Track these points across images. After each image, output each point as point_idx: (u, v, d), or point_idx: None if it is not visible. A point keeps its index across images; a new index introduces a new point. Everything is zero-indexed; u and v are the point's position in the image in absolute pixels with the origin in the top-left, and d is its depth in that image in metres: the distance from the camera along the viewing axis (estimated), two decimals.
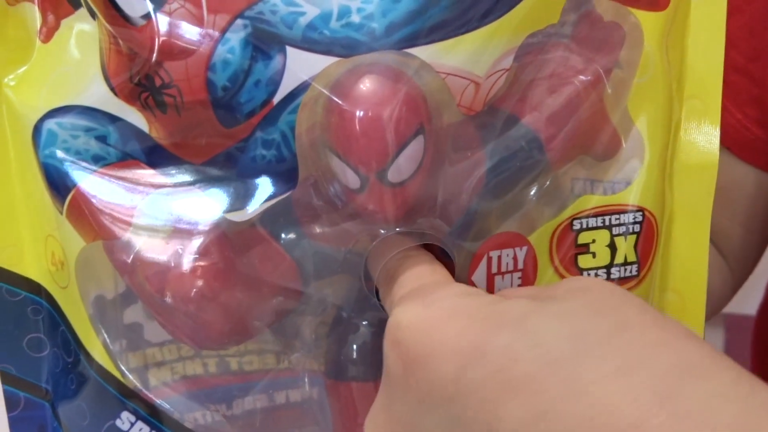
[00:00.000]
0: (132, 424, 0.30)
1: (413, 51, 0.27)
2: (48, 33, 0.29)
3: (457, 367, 0.21)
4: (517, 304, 0.22)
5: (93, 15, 0.28)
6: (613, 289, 0.23)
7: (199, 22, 0.26)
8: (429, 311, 0.23)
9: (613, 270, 0.32)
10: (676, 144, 0.32)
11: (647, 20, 0.31)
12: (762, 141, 0.55)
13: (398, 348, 0.23)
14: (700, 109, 0.32)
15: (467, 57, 0.28)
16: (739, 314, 0.79)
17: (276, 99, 0.27)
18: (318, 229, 0.30)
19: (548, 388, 0.19)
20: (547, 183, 0.32)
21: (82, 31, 0.28)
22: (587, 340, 0.20)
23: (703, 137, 0.32)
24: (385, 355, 0.24)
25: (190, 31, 0.26)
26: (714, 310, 0.61)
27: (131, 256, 0.29)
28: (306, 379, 0.33)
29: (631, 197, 0.32)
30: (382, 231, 0.29)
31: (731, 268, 0.59)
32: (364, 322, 0.32)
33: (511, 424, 0.20)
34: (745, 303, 0.77)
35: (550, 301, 0.22)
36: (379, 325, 0.31)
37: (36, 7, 0.29)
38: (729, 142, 0.56)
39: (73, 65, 0.28)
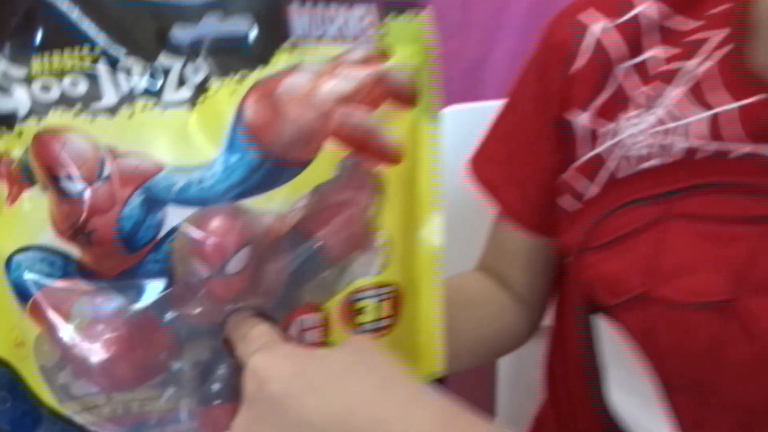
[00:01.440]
0: None
1: (244, 201, 0.46)
2: (12, 200, 0.45)
3: (280, 386, 0.42)
4: (307, 355, 0.43)
5: (44, 189, 0.45)
6: (363, 342, 0.44)
7: (113, 193, 0.44)
8: (270, 356, 0.43)
9: (377, 323, 0.52)
10: (413, 242, 0.53)
11: (392, 169, 0.51)
12: (531, 225, 0.71)
13: (255, 377, 0.43)
14: (424, 221, 0.53)
15: (277, 202, 0.47)
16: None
17: (160, 234, 0.45)
18: (187, 310, 0.48)
19: (294, 392, 0.41)
20: (329, 270, 0.51)
21: (36, 199, 0.45)
22: (332, 369, 0.41)
23: (426, 238, 0.53)
24: (246, 381, 0.43)
25: (107, 199, 0.44)
26: (517, 343, 0.76)
27: (68, 337, 0.45)
28: (185, 412, 0.50)
29: (387, 277, 0.51)
30: (228, 307, 0.47)
31: (528, 310, 0.75)
32: (222, 366, 0.49)
33: (281, 407, 0.41)
34: None
35: (325, 352, 0.43)
36: (233, 368, 0.49)
37: (5, 183, 0.46)
38: (512, 221, 0.72)
39: (31, 220, 0.45)
